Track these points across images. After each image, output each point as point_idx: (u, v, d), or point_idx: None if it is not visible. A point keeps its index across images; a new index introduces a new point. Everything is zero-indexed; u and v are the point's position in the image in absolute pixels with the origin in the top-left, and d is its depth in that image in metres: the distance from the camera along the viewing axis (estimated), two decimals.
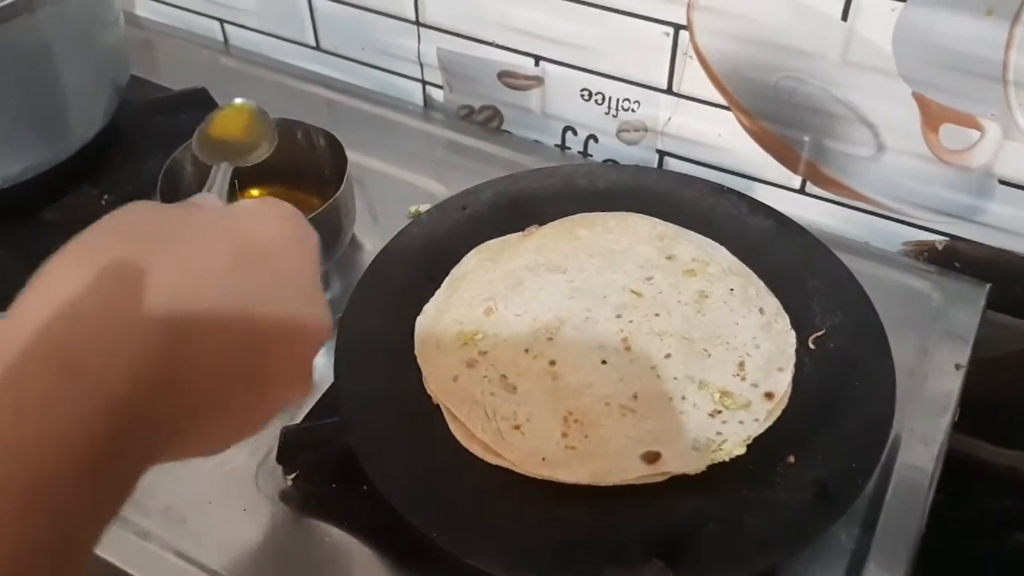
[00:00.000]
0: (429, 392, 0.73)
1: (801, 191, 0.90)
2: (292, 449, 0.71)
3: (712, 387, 0.70)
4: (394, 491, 0.64)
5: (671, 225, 0.83)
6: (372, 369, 0.73)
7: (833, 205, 0.89)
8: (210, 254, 0.39)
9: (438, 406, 0.71)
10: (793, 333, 0.74)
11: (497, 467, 0.67)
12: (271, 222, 0.44)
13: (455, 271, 0.82)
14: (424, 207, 0.91)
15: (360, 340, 0.75)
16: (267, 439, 0.71)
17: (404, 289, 0.81)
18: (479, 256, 0.83)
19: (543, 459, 0.66)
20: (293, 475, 0.71)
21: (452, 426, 0.70)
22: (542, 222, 0.85)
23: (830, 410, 0.69)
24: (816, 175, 0.87)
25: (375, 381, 0.73)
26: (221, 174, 0.66)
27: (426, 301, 0.80)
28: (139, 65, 1.04)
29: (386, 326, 0.77)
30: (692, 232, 0.82)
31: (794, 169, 0.88)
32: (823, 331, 0.75)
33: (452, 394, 0.71)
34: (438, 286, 0.81)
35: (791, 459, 0.67)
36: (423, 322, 0.78)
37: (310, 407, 0.75)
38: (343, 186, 0.83)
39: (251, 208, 0.45)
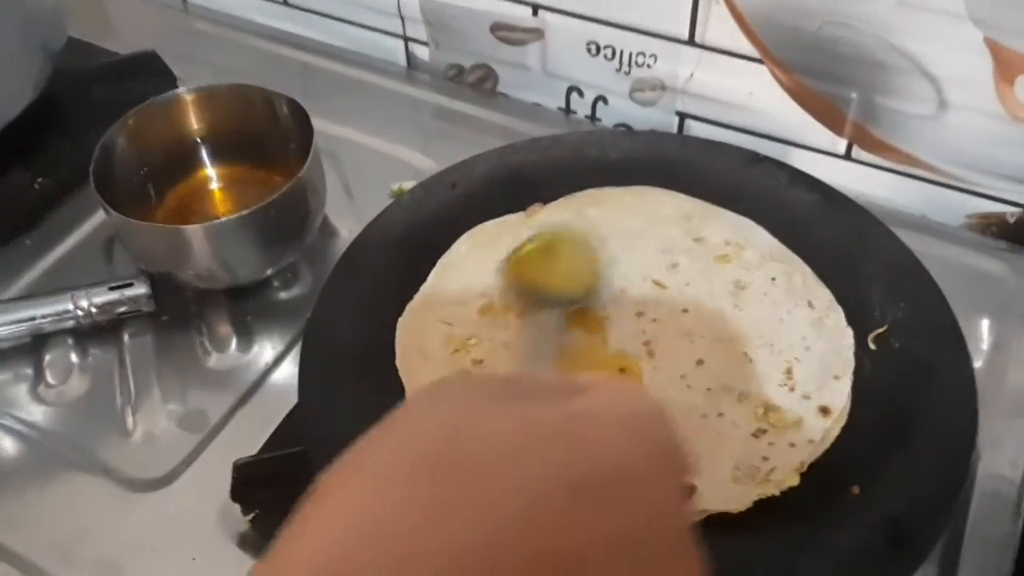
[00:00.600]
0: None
1: (847, 157, 0.79)
2: (249, 485, 0.59)
3: (755, 400, 0.58)
4: None
5: (698, 201, 0.71)
6: (344, 385, 0.62)
7: (884, 173, 0.78)
8: (541, 493, 0.28)
9: None
10: (850, 331, 0.62)
11: None
12: (625, 433, 0.32)
13: (444, 260, 0.70)
14: (408, 184, 0.79)
15: (330, 349, 0.64)
16: (220, 472, 0.59)
17: (384, 283, 0.69)
18: (472, 241, 0.71)
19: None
20: (252, 515, 0.59)
21: None
22: (546, 200, 0.73)
23: (899, 426, 0.57)
24: (865, 138, 0.77)
25: (347, 400, 0.61)
26: (551, 330, 0.57)
27: (410, 298, 0.67)
28: (78, 26, 0.93)
29: (361, 330, 0.66)
30: (723, 209, 0.70)
31: (839, 132, 0.78)
32: (885, 327, 0.62)
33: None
34: (424, 279, 0.69)
35: (855, 490, 0.55)
36: (406, 324, 0.66)
37: (270, 432, 0.63)
38: (308, 162, 0.71)
39: (597, 408, 0.32)
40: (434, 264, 0.70)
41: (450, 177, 0.75)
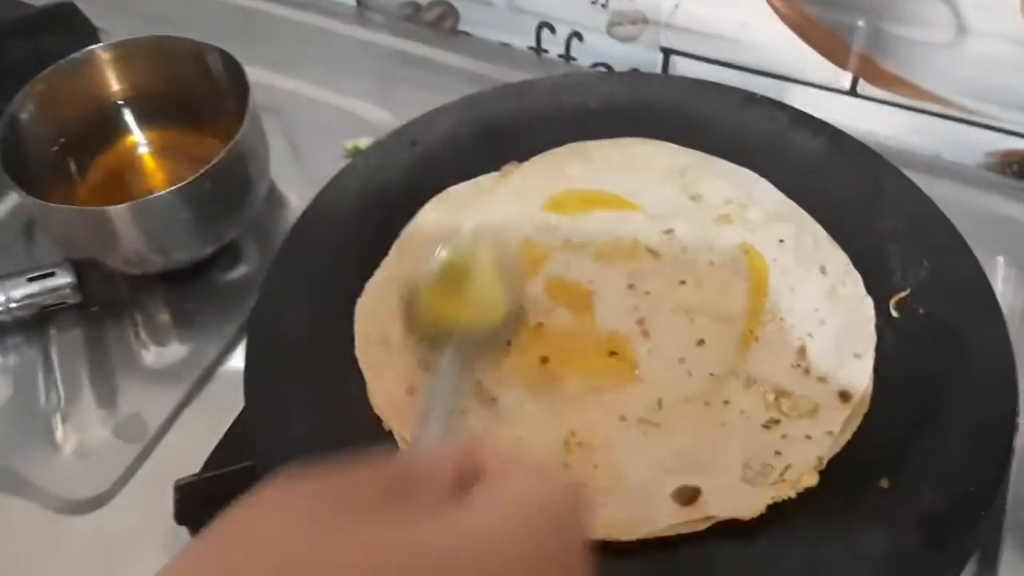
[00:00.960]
0: (376, 411, 0.53)
1: (852, 93, 0.73)
2: (195, 506, 0.51)
3: (764, 385, 0.51)
4: None
5: (694, 152, 0.64)
6: (297, 383, 0.55)
7: (894, 109, 0.72)
8: None
9: (390, 431, 0.52)
10: (870, 300, 0.55)
11: None
12: (526, 542, 0.28)
13: (408, 231, 0.62)
14: (364, 142, 0.72)
15: (279, 340, 0.57)
16: (165, 487, 0.53)
17: (339, 260, 0.61)
18: (440, 208, 0.64)
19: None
20: None
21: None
22: (521, 157, 0.65)
23: (929, 406, 0.51)
24: (872, 71, 0.71)
25: (301, 401, 0.54)
26: (446, 381, 0.45)
27: (369, 276, 0.59)
28: None
29: (315, 316, 0.58)
30: (721, 160, 0.63)
31: (843, 64, 0.72)
32: (907, 291, 0.56)
33: (406, 414, 0.53)
34: (386, 253, 0.61)
35: (883, 483, 0.48)
36: (365, 307, 0.59)
37: (220, 435, 0.55)
38: (245, 124, 0.63)
39: (465, 532, 0.27)
40: (397, 235, 0.62)
41: (409, 134, 0.66)
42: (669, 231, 0.59)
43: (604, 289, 0.57)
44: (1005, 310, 0.54)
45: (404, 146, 0.65)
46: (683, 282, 0.56)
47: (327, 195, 0.63)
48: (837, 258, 0.57)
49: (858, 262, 0.57)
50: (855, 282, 0.56)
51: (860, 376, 0.51)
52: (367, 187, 0.64)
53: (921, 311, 0.55)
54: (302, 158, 0.74)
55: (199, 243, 0.64)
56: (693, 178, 0.62)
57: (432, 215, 0.63)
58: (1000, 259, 0.64)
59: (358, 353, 0.56)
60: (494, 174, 0.64)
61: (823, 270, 0.56)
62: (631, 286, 0.56)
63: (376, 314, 0.58)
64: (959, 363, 0.52)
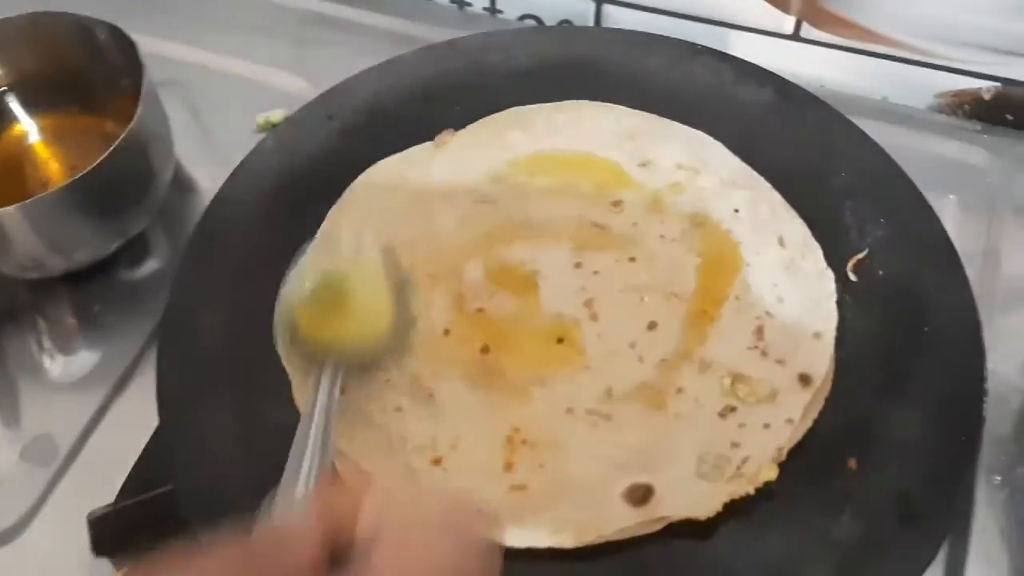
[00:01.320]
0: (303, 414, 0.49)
1: (795, 37, 0.69)
2: (113, 537, 0.47)
3: (720, 369, 0.48)
4: None
5: (643, 115, 0.59)
6: (216, 394, 0.50)
7: (838, 53, 0.68)
8: None
9: None
10: (830, 274, 0.51)
11: None
12: None
13: (334, 212, 0.57)
14: (277, 115, 0.66)
15: (194, 348, 0.52)
16: (82, 513, 0.48)
17: (256, 251, 0.56)
18: (369, 185, 0.58)
19: (478, 511, 0.44)
20: (124, 569, 0.48)
21: (341, 466, 0.47)
22: (450, 124, 0.59)
23: (893, 375, 0.48)
24: (815, 13, 0.67)
25: (221, 413, 0.49)
26: (319, 407, 0.42)
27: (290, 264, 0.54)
28: None
29: (233, 315, 0.53)
30: (673, 123, 0.59)
31: (785, 8, 0.67)
32: (864, 252, 0.52)
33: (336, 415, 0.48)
34: (307, 238, 0.55)
35: (851, 464, 0.45)
36: (288, 299, 0.53)
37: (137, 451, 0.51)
38: (141, 106, 0.56)
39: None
40: (321, 217, 0.57)
41: (325, 107, 0.61)
42: (617, 202, 0.55)
43: (549, 269, 0.52)
44: (961, 254, 0.51)
45: (320, 121, 0.60)
46: (633, 259, 0.52)
47: (237, 180, 0.57)
48: (795, 228, 0.53)
49: (812, 223, 0.54)
50: (814, 254, 0.52)
51: (821, 357, 0.48)
52: (281, 169, 0.59)
53: (880, 273, 0.52)
54: (211, 136, 0.68)
55: (101, 240, 0.59)
56: (643, 143, 0.57)
57: (359, 194, 0.58)
58: (952, 197, 0.61)
59: (280, 350, 0.52)
60: (427, 145, 0.59)
61: (781, 241, 0.52)
62: (578, 265, 0.52)
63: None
64: (922, 328, 0.49)
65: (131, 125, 0.55)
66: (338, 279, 0.49)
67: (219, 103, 0.70)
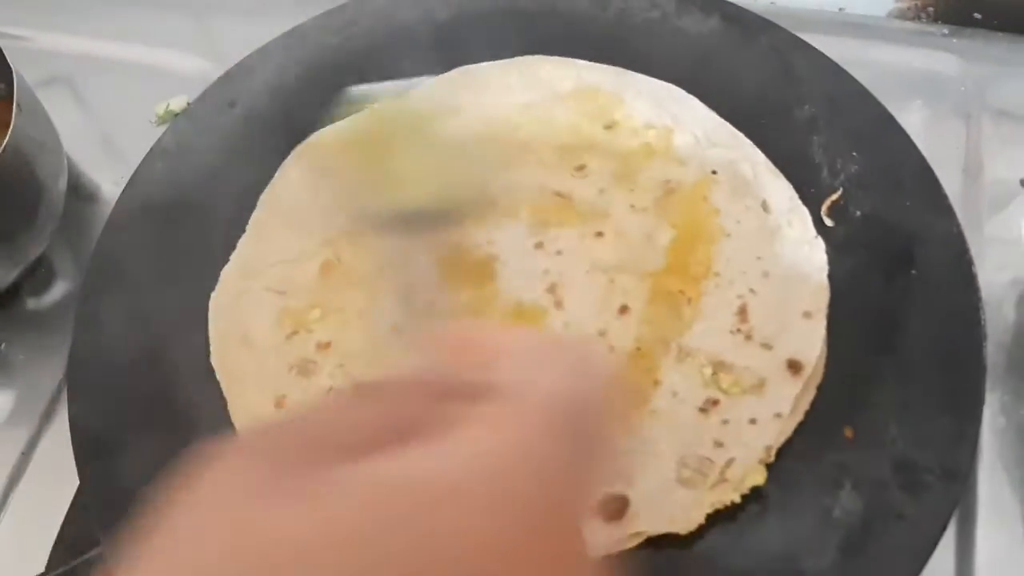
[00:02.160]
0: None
1: None
2: None
3: (700, 356, 0.43)
4: None
5: (606, 68, 0.53)
6: (137, 432, 0.44)
7: None
8: None
9: None
10: (821, 244, 0.46)
11: None
12: (489, 516, 0.21)
13: (266, 198, 0.51)
14: (178, 102, 0.59)
15: (110, 383, 0.46)
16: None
17: (166, 264, 0.50)
18: (303, 166, 0.52)
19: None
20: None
21: None
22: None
23: (883, 329, 0.44)
24: None
25: (147, 453, 0.43)
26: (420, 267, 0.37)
27: (216, 265, 0.49)
28: None
29: (148, 340, 0.47)
30: (639, 75, 0.52)
31: None
32: (838, 192, 0.47)
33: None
34: (223, 240, 0.50)
35: (848, 433, 0.41)
36: (218, 304, 0.48)
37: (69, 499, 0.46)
38: (15, 117, 0.49)
39: (439, 473, 0.21)
40: (239, 215, 0.51)
41: (225, 93, 0.54)
42: (581, 167, 0.49)
43: (506, 252, 0.47)
44: (939, 172, 0.47)
45: (221, 109, 0.53)
46: (600, 234, 0.47)
47: (134, 190, 0.52)
48: (780, 190, 0.47)
49: (778, 164, 0.48)
50: (803, 220, 0.46)
51: (811, 341, 0.43)
52: (183, 171, 0.52)
53: (858, 214, 0.47)
54: (107, 135, 0.61)
55: None
56: (606, 101, 0.51)
57: (292, 174, 0.52)
58: (924, 111, 0.56)
59: (213, 360, 0.47)
60: (363, 113, 0.53)
61: (764, 207, 0.47)
62: (538, 245, 0.47)
63: (233, 311, 0.48)
64: (909, 272, 0.45)
65: (7, 139, 0.49)
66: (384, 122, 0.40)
67: (113, 96, 0.63)
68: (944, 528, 0.38)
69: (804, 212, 0.46)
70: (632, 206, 0.47)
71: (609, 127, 0.50)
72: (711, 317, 0.44)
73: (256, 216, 0.51)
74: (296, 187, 0.52)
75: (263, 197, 0.52)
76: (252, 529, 0.20)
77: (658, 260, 0.46)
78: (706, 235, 0.46)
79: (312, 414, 0.24)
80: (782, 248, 0.45)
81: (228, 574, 0.20)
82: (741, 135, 0.49)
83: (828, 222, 0.47)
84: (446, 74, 0.54)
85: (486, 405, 0.23)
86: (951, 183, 0.47)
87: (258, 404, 0.45)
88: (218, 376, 0.47)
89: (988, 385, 0.42)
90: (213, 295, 0.49)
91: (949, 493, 0.39)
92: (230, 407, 0.46)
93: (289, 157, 0.52)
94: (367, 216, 0.39)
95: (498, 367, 0.24)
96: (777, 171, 0.48)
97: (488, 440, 0.22)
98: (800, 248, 0.45)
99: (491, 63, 0.53)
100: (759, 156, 0.48)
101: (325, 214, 0.50)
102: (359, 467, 0.21)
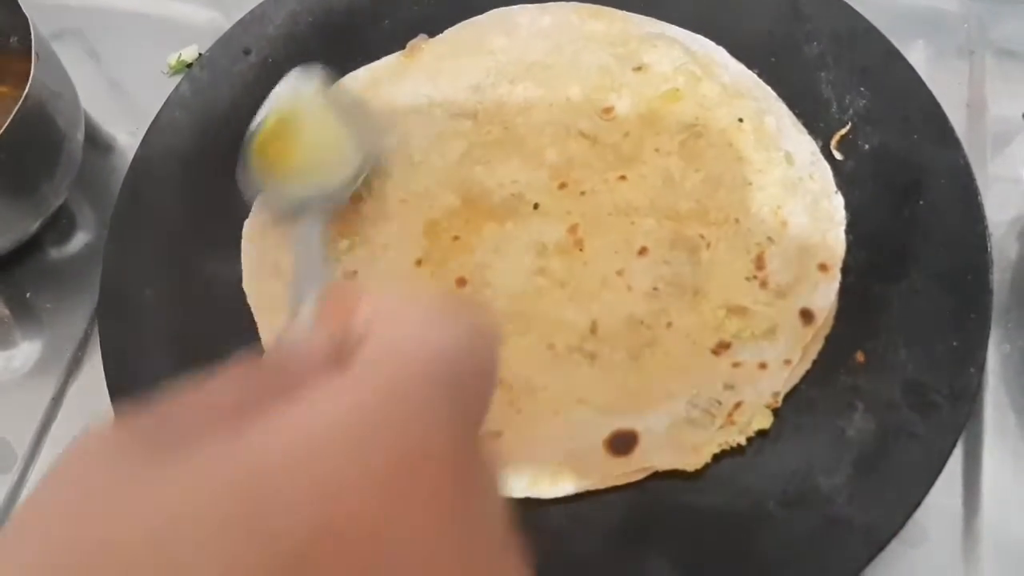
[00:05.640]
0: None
1: None
2: None
3: (714, 300, 0.44)
4: None
5: (637, 18, 0.53)
6: (169, 371, 0.45)
7: None
8: None
9: None
10: (840, 200, 0.46)
11: None
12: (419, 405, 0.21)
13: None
14: (190, 53, 0.60)
15: (139, 324, 0.47)
16: None
17: (189, 209, 0.51)
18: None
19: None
20: None
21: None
22: (387, 44, 0.54)
23: (892, 256, 0.45)
24: None
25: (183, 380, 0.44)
26: (309, 245, 0.42)
27: (240, 205, 0.50)
28: None
29: (175, 282, 0.49)
30: (672, 26, 0.52)
31: None
32: (847, 126, 0.48)
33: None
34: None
35: (859, 357, 0.43)
36: (251, 232, 0.50)
37: None
38: (34, 68, 0.50)
39: (375, 376, 0.21)
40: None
41: (239, 41, 0.54)
42: (608, 110, 0.49)
43: (530, 191, 0.48)
44: (944, 108, 0.48)
45: (236, 57, 0.54)
46: (623, 177, 0.47)
47: (154, 137, 0.52)
48: (803, 144, 0.48)
49: (788, 99, 0.49)
50: (824, 175, 0.47)
51: (825, 292, 0.44)
52: (201, 118, 0.53)
53: (866, 147, 0.48)
54: (121, 86, 0.61)
55: (19, 221, 0.53)
56: (636, 47, 0.51)
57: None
58: (928, 49, 0.57)
59: (246, 287, 0.48)
60: (398, 55, 0.53)
61: (788, 159, 0.47)
62: (562, 185, 0.48)
63: (268, 237, 0.49)
64: (917, 202, 0.46)
65: (27, 89, 0.49)
66: (292, 118, 0.46)
67: (124, 47, 0.63)
68: (953, 446, 0.40)
69: (826, 167, 0.47)
70: (657, 150, 0.48)
71: (638, 69, 0.51)
72: (728, 262, 0.45)
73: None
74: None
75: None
76: (90, 526, 0.19)
77: (680, 204, 0.46)
78: (729, 182, 0.47)
79: (187, 393, 0.22)
80: (803, 200, 0.46)
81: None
82: (767, 87, 0.49)
83: (838, 155, 0.48)
84: (478, 17, 0.54)
85: (360, 358, 0.22)
86: (955, 121, 0.48)
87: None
88: (249, 302, 0.48)
89: (993, 316, 0.44)
90: (247, 223, 0.50)
91: (957, 413, 0.40)
92: (261, 333, 0.47)
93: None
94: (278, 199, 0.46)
95: (371, 329, 0.23)
96: (800, 125, 0.48)
97: (357, 389, 0.21)
98: (821, 202, 0.46)
99: (522, 6, 0.54)
100: (783, 109, 0.49)
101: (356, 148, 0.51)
102: (225, 439, 0.20)
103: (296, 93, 0.47)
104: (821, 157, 0.47)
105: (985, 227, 0.44)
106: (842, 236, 0.45)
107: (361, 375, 0.21)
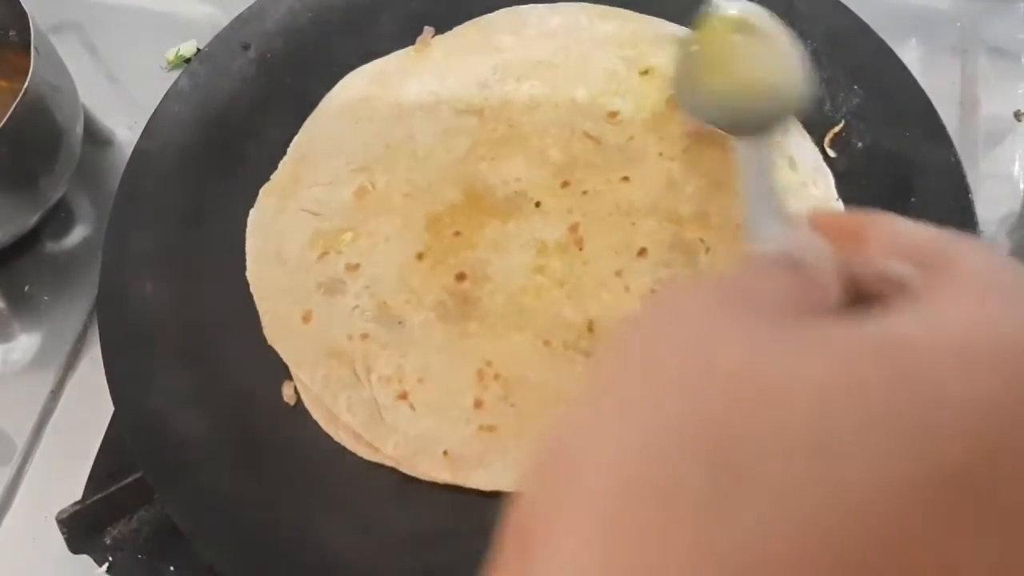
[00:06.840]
0: (270, 342, 0.47)
1: None
2: (87, 533, 0.44)
3: None
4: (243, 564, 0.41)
5: (647, 19, 0.53)
6: (168, 363, 0.46)
7: None
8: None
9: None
10: (841, 207, 0.47)
11: (382, 466, 0.43)
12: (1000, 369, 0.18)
13: (304, 130, 0.52)
14: (188, 48, 0.60)
15: (138, 316, 0.48)
16: (50, 509, 0.45)
17: (188, 203, 0.51)
18: (342, 97, 0.53)
19: (444, 452, 0.43)
20: (107, 563, 0.45)
21: (308, 403, 0.45)
22: (384, 42, 0.54)
23: None
24: None
25: (177, 381, 0.45)
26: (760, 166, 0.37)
27: (241, 198, 0.51)
28: None
29: (174, 275, 0.49)
30: (676, 26, 0.53)
31: None
32: (841, 124, 0.49)
33: (299, 346, 0.46)
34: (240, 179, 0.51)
35: None
36: (256, 221, 0.50)
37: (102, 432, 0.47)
38: (34, 61, 0.50)
39: (936, 330, 0.19)
40: (253, 159, 0.52)
41: (239, 35, 0.54)
42: (613, 114, 0.50)
43: (534, 189, 0.48)
44: (937, 107, 0.48)
45: (236, 52, 0.54)
46: (626, 179, 0.47)
47: (153, 131, 0.52)
48: (807, 149, 0.48)
49: None
50: (826, 181, 0.47)
51: None
52: (201, 112, 0.53)
53: (859, 145, 0.48)
54: (119, 80, 0.62)
55: (18, 214, 0.54)
56: (645, 49, 0.51)
57: (334, 105, 0.53)
58: (921, 48, 0.58)
59: (249, 275, 0.48)
60: (407, 50, 0.54)
61: (791, 164, 0.47)
62: (565, 184, 0.48)
63: (272, 226, 0.50)
64: (908, 199, 0.46)
65: (26, 83, 0.50)
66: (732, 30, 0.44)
67: (123, 42, 0.63)
68: None
69: (828, 173, 0.47)
70: (660, 154, 0.48)
71: (645, 74, 0.51)
72: (728, 266, 0.45)
73: (297, 139, 0.52)
74: (337, 115, 0.53)
75: (306, 123, 0.52)
76: (755, 366, 0.18)
77: (681, 207, 0.46)
78: (731, 186, 0.47)
79: (741, 277, 0.21)
80: (805, 206, 0.46)
81: (742, 402, 0.17)
82: None
83: (831, 153, 0.48)
84: (488, 15, 0.54)
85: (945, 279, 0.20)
86: (948, 119, 0.48)
87: (287, 317, 0.47)
88: (252, 290, 0.48)
89: None
90: (252, 212, 0.50)
91: None
92: (262, 319, 0.47)
93: (336, 87, 0.53)
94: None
95: (949, 282, 0.20)
96: (804, 131, 0.48)
97: (978, 311, 0.19)
98: (822, 208, 0.46)
99: (533, 6, 0.54)
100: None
101: (361, 143, 0.51)
102: (843, 326, 0.19)
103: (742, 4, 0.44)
104: (824, 163, 0.48)
105: (976, 224, 0.45)
106: None
107: (969, 296, 0.19)
